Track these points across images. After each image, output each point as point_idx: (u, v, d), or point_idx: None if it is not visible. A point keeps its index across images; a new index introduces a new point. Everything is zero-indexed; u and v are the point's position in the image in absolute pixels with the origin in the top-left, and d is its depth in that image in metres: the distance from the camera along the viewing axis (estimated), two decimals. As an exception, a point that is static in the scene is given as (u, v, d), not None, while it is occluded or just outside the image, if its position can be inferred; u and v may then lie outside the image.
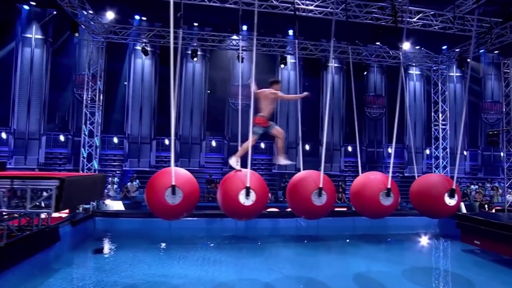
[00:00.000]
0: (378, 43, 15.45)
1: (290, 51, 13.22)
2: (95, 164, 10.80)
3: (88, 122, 10.79)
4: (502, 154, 19.36)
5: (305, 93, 5.53)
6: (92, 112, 10.83)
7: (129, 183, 13.18)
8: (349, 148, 18.10)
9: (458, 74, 19.01)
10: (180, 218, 4.83)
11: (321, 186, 4.55)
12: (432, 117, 13.14)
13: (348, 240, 9.28)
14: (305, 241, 9.17)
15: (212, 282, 5.87)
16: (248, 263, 7.09)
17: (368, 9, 9.56)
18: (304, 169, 5.27)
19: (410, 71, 18.51)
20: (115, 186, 12.77)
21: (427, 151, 18.29)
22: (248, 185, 4.33)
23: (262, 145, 17.36)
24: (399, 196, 5.01)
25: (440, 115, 12.75)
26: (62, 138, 14.68)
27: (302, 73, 17.24)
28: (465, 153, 18.92)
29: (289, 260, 7.44)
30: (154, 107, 15.99)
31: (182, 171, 4.75)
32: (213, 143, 16.99)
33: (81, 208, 9.18)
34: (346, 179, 17.34)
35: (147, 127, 15.85)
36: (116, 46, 13.96)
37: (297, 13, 8.70)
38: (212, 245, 8.57)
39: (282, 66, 13.64)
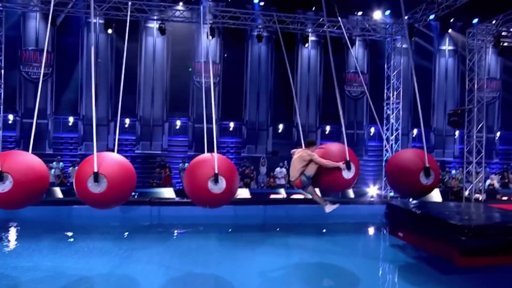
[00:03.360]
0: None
1: (260, 24, 14.14)
2: None
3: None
4: (497, 135, 20.80)
5: (341, 164, 5.41)
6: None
7: (71, 168, 14.17)
8: (327, 129, 19.44)
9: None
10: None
11: (216, 172, 4.61)
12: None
13: (278, 229, 9.94)
14: (229, 230, 9.96)
15: (80, 274, 6.22)
16: (139, 255, 7.50)
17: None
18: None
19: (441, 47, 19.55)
20: (53, 171, 13.71)
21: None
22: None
23: (231, 126, 18.61)
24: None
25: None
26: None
27: (273, 48, 18.32)
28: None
29: (188, 253, 7.85)
30: (111, 87, 17.03)
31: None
32: (177, 124, 18.16)
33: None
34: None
35: (103, 108, 16.93)
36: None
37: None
38: (125, 234, 9.17)
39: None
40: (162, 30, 13.00)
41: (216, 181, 4.53)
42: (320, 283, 6.41)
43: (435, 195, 13.64)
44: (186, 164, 15.88)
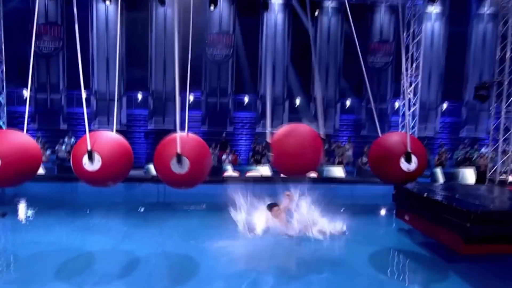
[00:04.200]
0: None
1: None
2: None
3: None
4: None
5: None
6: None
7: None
8: (347, 103, 19.03)
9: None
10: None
11: (178, 151, 4.43)
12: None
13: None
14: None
15: (81, 250, 6.56)
16: (142, 232, 7.81)
17: None
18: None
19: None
20: (64, 146, 14.13)
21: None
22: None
23: (246, 100, 18.52)
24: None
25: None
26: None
27: (290, 16, 17.86)
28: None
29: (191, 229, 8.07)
30: (122, 60, 17.14)
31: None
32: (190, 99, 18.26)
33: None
34: (342, 140, 18.50)
35: (113, 82, 17.19)
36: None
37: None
38: (139, 209, 9.54)
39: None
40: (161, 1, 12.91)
41: (179, 161, 4.45)
42: (315, 266, 6.31)
43: (469, 177, 13.26)
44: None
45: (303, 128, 5.13)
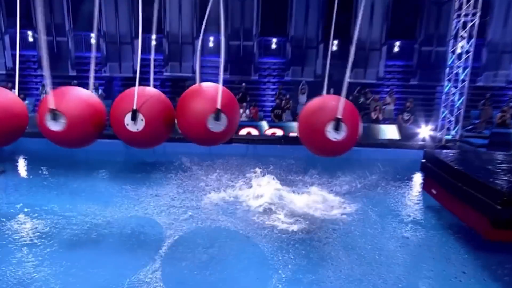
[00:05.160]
0: None
1: None
2: None
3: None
4: None
5: None
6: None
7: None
8: (396, 46, 16.50)
9: None
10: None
11: (135, 107, 4.20)
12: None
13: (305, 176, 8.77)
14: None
15: (65, 212, 6.25)
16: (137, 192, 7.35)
17: None
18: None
19: None
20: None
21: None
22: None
23: (274, 43, 16.77)
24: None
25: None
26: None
27: None
28: None
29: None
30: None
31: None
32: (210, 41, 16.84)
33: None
34: (384, 90, 16.25)
35: (125, 23, 16.17)
36: None
37: None
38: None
39: None
40: None
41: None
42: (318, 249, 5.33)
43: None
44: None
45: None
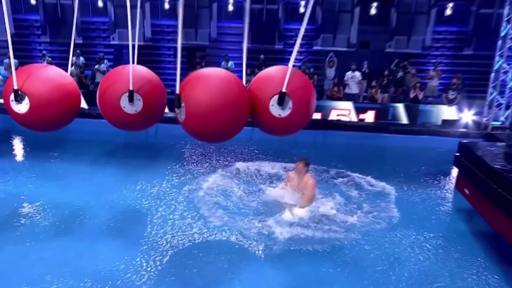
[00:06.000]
0: None
1: None
2: None
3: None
4: None
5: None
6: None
7: (96, 66, 12.72)
8: (448, 8, 14.21)
9: None
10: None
11: (131, 88, 3.94)
12: None
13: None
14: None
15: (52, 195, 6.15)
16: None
17: None
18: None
19: None
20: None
21: None
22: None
23: (302, 6, 15.08)
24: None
25: None
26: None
27: None
28: None
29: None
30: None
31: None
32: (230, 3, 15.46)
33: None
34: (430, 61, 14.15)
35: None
36: None
37: None
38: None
39: None
40: None
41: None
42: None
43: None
44: (230, 63, 13.51)
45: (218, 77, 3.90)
